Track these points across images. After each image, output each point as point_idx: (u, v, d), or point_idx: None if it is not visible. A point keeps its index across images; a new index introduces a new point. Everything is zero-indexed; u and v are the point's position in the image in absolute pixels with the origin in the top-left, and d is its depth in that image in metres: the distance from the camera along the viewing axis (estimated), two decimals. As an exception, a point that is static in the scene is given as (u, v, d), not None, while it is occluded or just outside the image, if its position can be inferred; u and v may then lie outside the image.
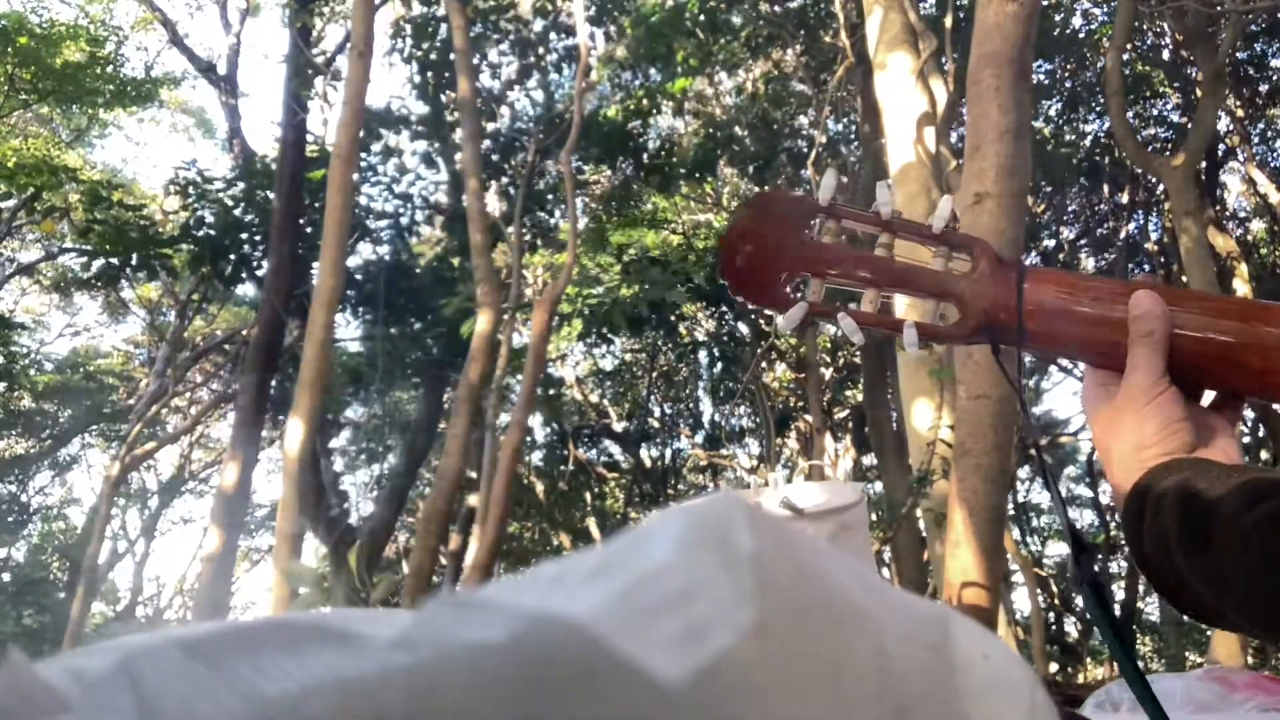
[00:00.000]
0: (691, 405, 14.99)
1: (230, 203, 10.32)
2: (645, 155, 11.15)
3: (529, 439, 12.76)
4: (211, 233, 10.24)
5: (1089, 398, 0.72)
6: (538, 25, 10.13)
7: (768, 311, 0.73)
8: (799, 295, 0.72)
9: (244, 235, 10.33)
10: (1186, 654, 12.81)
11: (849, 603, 0.29)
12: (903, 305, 0.74)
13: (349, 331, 12.62)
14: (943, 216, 0.71)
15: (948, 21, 6.37)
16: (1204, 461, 0.65)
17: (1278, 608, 0.56)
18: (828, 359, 12.27)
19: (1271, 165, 12.42)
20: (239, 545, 11.54)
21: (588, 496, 14.64)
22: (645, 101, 10.74)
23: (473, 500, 9.97)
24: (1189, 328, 0.67)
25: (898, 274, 0.71)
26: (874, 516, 7.39)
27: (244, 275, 10.73)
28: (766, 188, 11.34)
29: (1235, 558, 0.57)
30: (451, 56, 8.43)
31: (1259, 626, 0.58)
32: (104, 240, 10.12)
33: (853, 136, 10.47)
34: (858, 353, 10.87)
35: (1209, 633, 10.55)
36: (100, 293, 14.25)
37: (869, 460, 12.40)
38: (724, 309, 11.38)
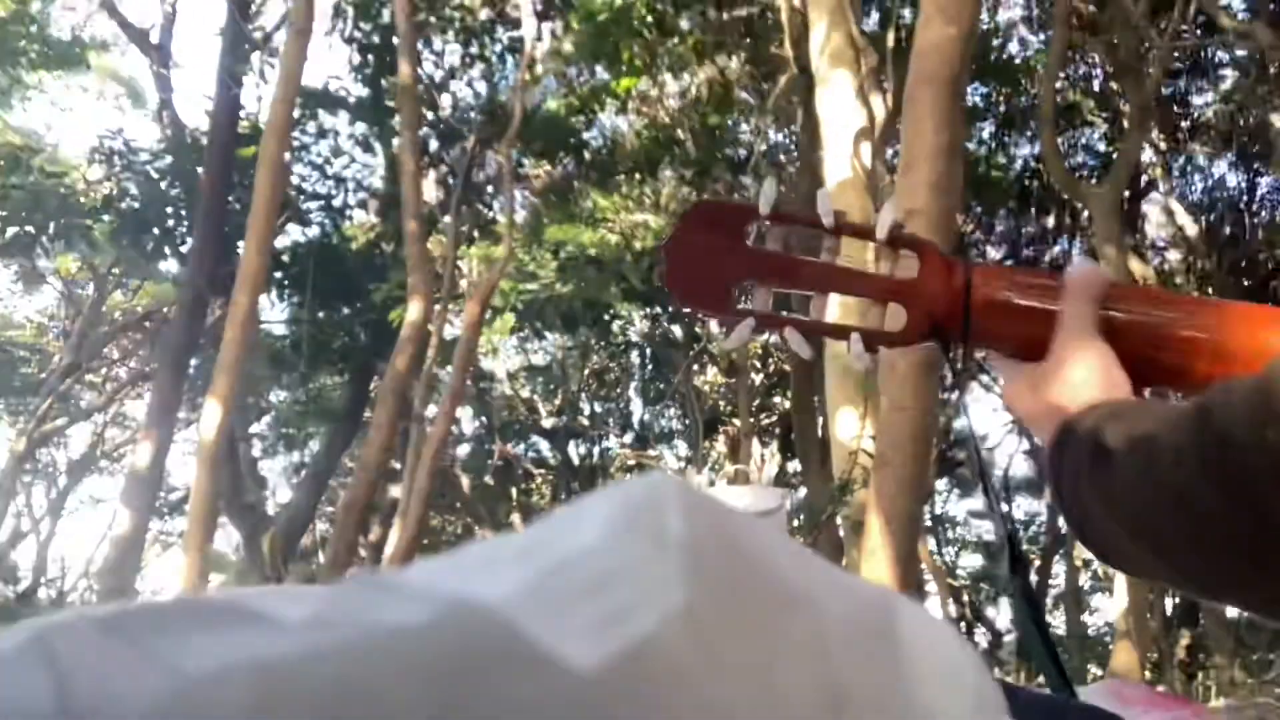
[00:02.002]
0: (622, 405, 15.01)
1: (156, 175, 10.04)
2: (587, 152, 11.12)
3: (456, 432, 12.64)
4: (135, 205, 9.95)
5: (1012, 387, 0.71)
6: (483, 14, 10.04)
7: (714, 322, 0.72)
8: (745, 303, 0.71)
9: (169, 210, 10.06)
10: (1088, 666, 13.22)
11: (786, 587, 0.29)
12: (837, 310, 0.74)
13: (274, 314, 12.35)
14: (886, 221, 0.71)
15: (889, 39, 6.48)
16: (1130, 402, 0.63)
17: (1154, 525, 0.53)
18: (758, 364, 12.39)
19: (1190, 199, 12.90)
20: (150, 528, 11.22)
21: (514, 492, 14.56)
22: (589, 98, 10.72)
23: (395, 491, 9.85)
24: (1120, 320, 0.68)
25: (843, 279, 0.71)
26: (795, 522, 7.48)
27: (167, 251, 10.44)
28: (705, 196, 11.41)
29: (1120, 477, 0.55)
30: (394, 40, 8.31)
31: (1152, 550, 0.55)
32: (21, 207, 9.76)
33: (792, 147, 10.60)
34: (787, 360, 11.01)
35: (1111, 646, 10.89)
36: (14, 261, 13.72)
37: (794, 466, 12.55)
38: (658, 310, 11.41)
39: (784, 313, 0.72)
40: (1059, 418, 0.65)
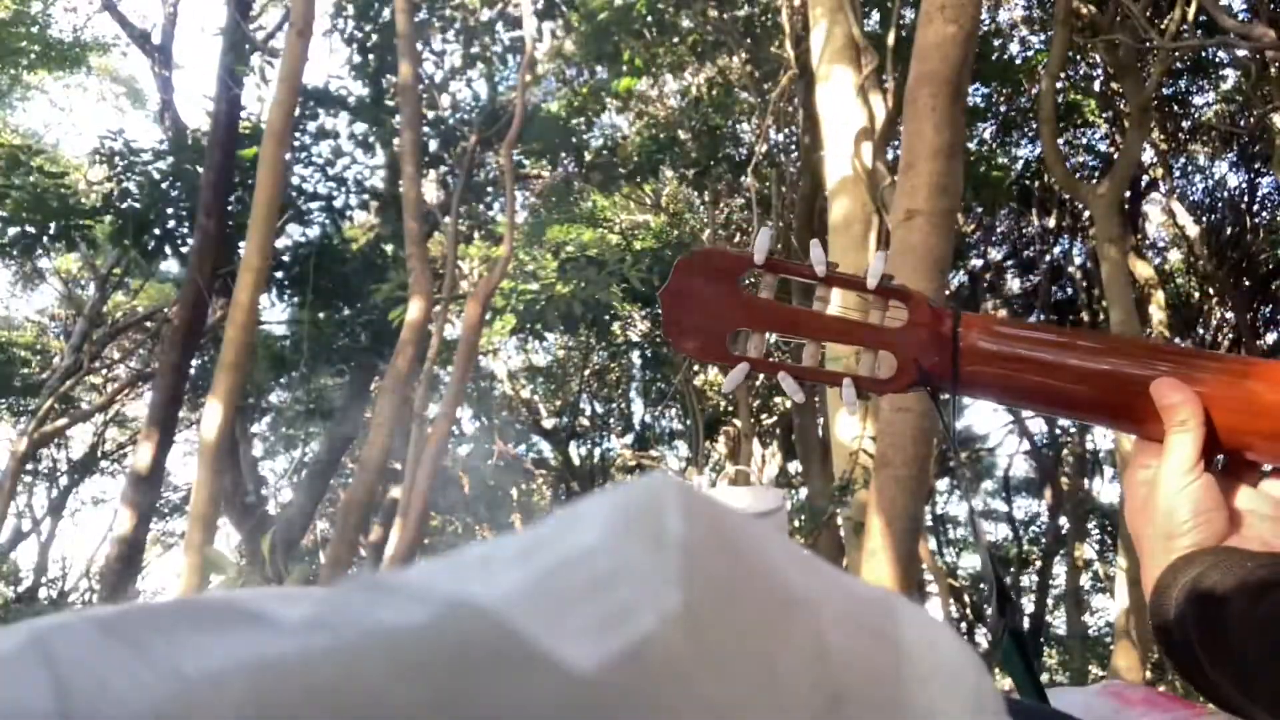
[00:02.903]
0: (622, 405, 15.01)
1: (157, 176, 10.04)
2: (587, 153, 11.13)
3: (456, 432, 12.65)
4: (136, 205, 9.95)
5: (1129, 480, 0.72)
6: (484, 15, 10.04)
7: (712, 366, 0.74)
8: (742, 349, 0.73)
9: (170, 210, 10.05)
10: (1090, 667, 13.23)
11: (786, 588, 0.29)
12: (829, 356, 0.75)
13: (275, 314, 12.36)
14: (876, 271, 0.72)
15: (890, 39, 6.48)
16: (1225, 551, 0.63)
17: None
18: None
19: (1190, 199, 12.91)
20: (151, 529, 11.22)
21: (514, 492, 14.57)
22: (589, 99, 10.72)
23: (395, 492, 9.85)
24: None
25: (834, 327, 0.73)
26: (796, 523, 7.49)
27: (168, 251, 10.44)
28: (705, 196, 11.42)
29: (1248, 652, 0.56)
30: (394, 40, 8.31)
31: (1265, 705, 0.56)
32: (20, 207, 9.77)
33: (793, 147, 10.60)
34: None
35: (1112, 646, 10.90)
36: (14, 261, 13.74)
37: (795, 467, 12.56)
38: (658, 311, 11.40)
39: (778, 358, 0.74)
40: (1154, 567, 0.66)
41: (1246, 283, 12.12)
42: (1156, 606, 0.64)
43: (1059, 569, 15.20)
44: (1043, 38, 11.34)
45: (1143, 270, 11.11)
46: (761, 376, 0.74)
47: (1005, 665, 0.69)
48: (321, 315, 10.93)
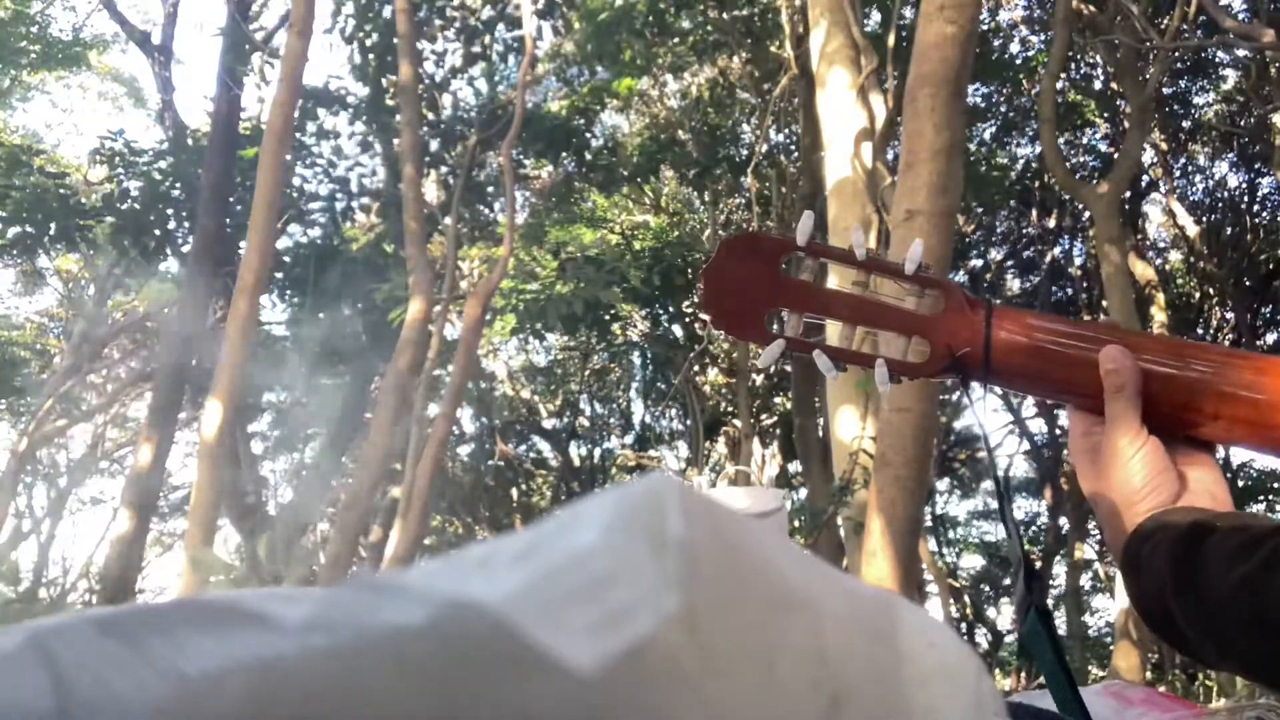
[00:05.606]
0: (623, 405, 15.01)
1: (157, 176, 10.04)
2: (588, 153, 11.13)
3: (456, 432, 12.64)
4: (136, 206, 9.95)
5: (1075, 449, 0.76)
6: (484, 15, 10.04)
7: (750, 344, 0.76)
8: (779, 329, 0.75)
9: (170, 210, 10.06)
10: (1090, 667, 13.22)
11: (786, 589, 0.29)
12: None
13: (275, 314, 12.36)
14: (915, 258, 0.74)
15: (890, 39, 6.48)
16: (1190, 513, 0.66)
17: (1268, 661, 0.57)
18: (758, 365, 12.38)
19: (1190, 199, 12.90)
20: (151, 529, 11.22)
21: (514, 493, 14.56)
22: (590, 99, 10.73)
23: (396, 492, 9.84)
24: (1151, 376, 0.71)
25: (871, 311, 0.75)
26: (796, 523, 7.49)
27: (168, 252, 10.45)
28: (705, 197, 11.42)
29: (1225, 614, 0.59)
30: (394, 40, 8.31)
31: (1256, 677, 0.60)
32: (20, 207, 9.77)
33: (793, 147, 10.60)
34: (788, 361, 11.01)
35: (1111, 646, 10.90)
36: (14, 261, 13.73)
37: (795, 467, 12.55)
38: (659, 311, 11.42)
39: (813, 337, 0.76)
40: (1118, 533, 0.69)
41: (1246, 283, 12.12)
42: (1128, 569, 0.67)
43: (1059, 569, 15.18)
44: (1043, 38, 11.33)
45: (1143, 270, 11.11)
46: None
47: (1031, 644, 0.70)
48: (321, 315, 10.94)
